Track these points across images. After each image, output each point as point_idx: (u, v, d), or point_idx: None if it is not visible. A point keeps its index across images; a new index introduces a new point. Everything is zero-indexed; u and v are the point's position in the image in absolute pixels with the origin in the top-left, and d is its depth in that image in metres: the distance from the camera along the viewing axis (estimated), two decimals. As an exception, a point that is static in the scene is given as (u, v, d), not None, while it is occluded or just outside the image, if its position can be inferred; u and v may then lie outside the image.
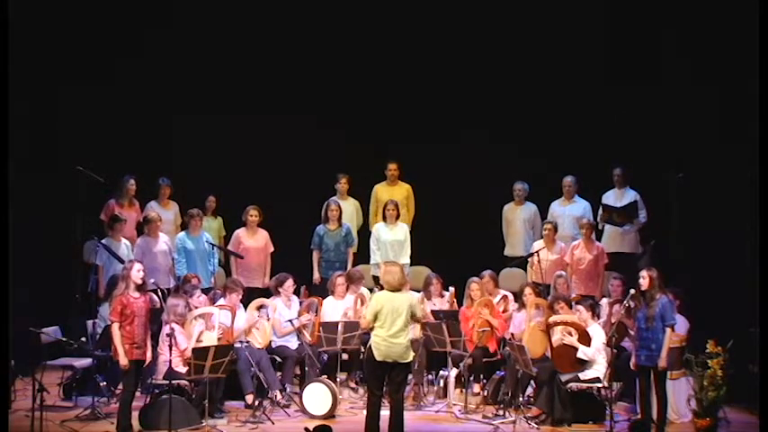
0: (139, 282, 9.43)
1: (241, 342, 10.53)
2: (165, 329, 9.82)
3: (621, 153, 12.39)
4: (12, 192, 9.92)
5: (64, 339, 10.53)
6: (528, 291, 10.88)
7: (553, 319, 10.32)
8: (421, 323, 10.60)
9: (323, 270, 11.94)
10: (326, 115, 13.00)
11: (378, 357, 9.15)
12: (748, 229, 10.55)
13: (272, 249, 11.99)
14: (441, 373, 10.90)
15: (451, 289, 11.37)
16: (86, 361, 10.53)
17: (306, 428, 8.11)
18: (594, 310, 10.46)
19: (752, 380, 9.82)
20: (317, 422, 9.42)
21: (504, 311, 11.22)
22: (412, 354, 9.28)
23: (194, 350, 9.69)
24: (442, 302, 11.35)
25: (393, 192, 12.53)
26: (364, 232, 12.45)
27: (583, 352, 10.03)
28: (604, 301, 11.10)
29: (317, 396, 10.18)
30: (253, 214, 11.85)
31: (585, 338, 10.09)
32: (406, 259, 11.89)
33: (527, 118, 12.92)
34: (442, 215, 12.91)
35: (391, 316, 9.13)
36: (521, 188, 12.57)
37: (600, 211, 12.19)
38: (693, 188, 11.69)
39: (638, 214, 12.09)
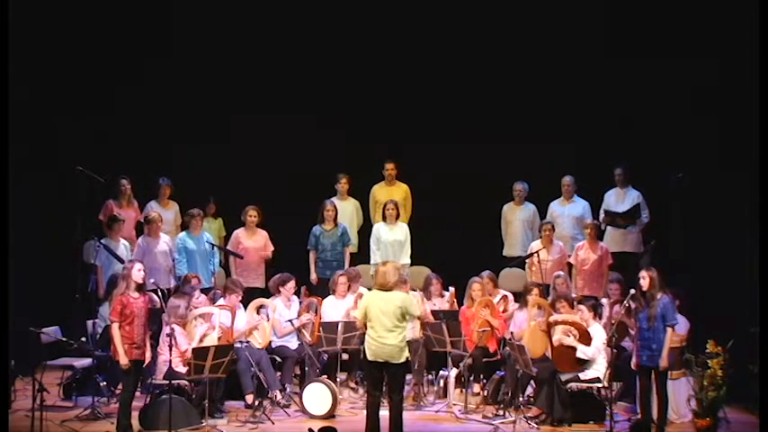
0: (140, 281, 9.43)
1: (241, 342, 10.53)
2: (166, 330, 9.82)
3: (622, 153, 12.39)
4: (12, 192, 9.93)
5: (64, 339, 10.52)
6: (535, 291, 10.85)
7: (554, 318, 10.32)
8: (421, 323, 10.63)
9: (320, 270, 11.94)
10: (326, 115, 13.00)
11: (369, 357, 9.14)
12: (748, 229, 10.55)
13: (272, 249, 11.98)
14: (441, 373, 10.90)
15: (451, 289, 11.38)
16: (86, 361, 10.52)
17: (310, 429, 8.12)
18: (597, 311, 10.45)
19: (752, 380, 9.82)
20: (318, 422, 9.47)
21: (504, 311, 11.23)
22: (405, 354, 9.16)
23: (194, 350, 9.69)
24: (442, 302, 11.36)
25: (391, 192, 12.54)
26: (365, 232, 12.45)
27: (582, 352, 10.03)
28: (605, 301, 11.09)
29: (317, 396, 10.18)
30: (252, 214, 11.84)
31: (586, 338, 10.09)
32: (406, 259, 11.91)
33: (527, 118, 12.92)
34: (442, 215, 12.91)
35: (379, 316, 9.09)
36: (521, 188, 12.58)
37: (602, 216, 12.20)
38: (693, 188, 11.69)
39: (640, 215, 12.11)
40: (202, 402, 9.72)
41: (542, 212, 12.54)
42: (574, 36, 12.73)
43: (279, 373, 10.77)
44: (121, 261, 10.93)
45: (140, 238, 11.56)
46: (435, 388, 10.94)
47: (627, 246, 12.18)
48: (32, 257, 11.62)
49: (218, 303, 10.70)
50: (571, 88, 12.83)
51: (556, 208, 12.49)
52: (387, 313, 9.08)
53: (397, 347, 9.07)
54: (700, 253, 11.57)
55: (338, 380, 10.58)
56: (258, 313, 10.87)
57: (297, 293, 11.42)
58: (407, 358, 9.26)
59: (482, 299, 10.96)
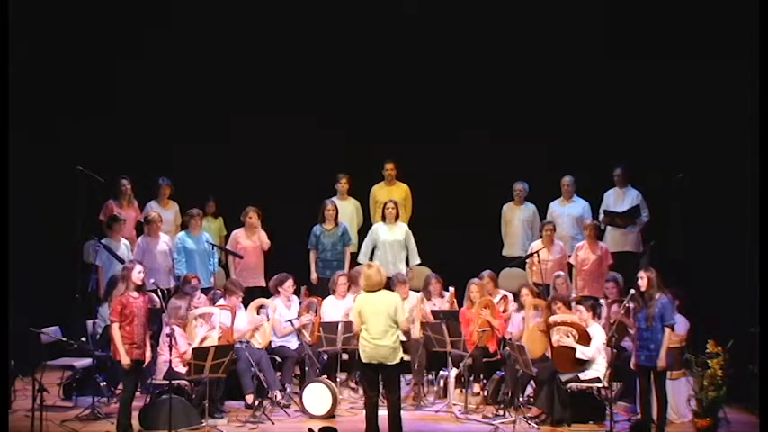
0: (140, 283, 9.43)
1: (241, 342, 10.53)
2: (166, 330, 9.82)
3: (622, 153, 12.40)
4: (12, 192, 9.93)
5: (64, 339, 10.53)
6: (525, 291, 10.89)
7: (553, 318, 10.32)
8: (421, 323, 10.63)
9: (320, 270, 11.94)
10: (326, 115, 13.00)
11: (364, 359, 9.14)
12: (748, 229, 10.55)
13: (268, 243, 11.92)
14: (441, 373, 10.90)
15: (451, 289, 11.39)
16: (86, 361, 10.53)
17: (310, 429, 8.11)
18: (596, 311, 10.46)
19: (752, 380, 9.82)
20: (318, 422, 9.47)
21: (504, 311, 11.23)
22: (400, 355, 9.14)
23: (194, 350, 9.70)
24: (442, 302, 11.36)
25: (391, 192, 12.55)
26: (365, 232, 12.44)
27: (581, 352, 10.03)
28: (604, 301, 11.09)
29: (317, 396, 10.18)
30: (252, 216, 11.83)
31: (585, 338, 10.09)
32: (415, 260, 11.95)
33: (527, 118, 12.92)
34: (442, 215, 12.91)
35: (372, 318, 9.06)
36: (521, 188, 12.59)
37: (601, 216, 12.21)
38: (693, 188, 11.69)
39: (640, 214, 12.11)
40: (202, 402, 9.72)
41: (542, 212, 12.55)
42: (574, 36, 12.73)
43: (279, 373, 10.77)
44: (122, 261, 10.93)
45: (140, 238, 11.57)
46: (435, 388, 10.94)
47: (627, 246, 12.18)
48: (32, 257, 11.63)
49: (218, 304, 10.70)
50: (571, 88, 12.82)
51: (556, 208, 12.50)
52: (381, 313, 9.06)
53: (391, 348, 9.05)
54: (700, 253, 11.57)
55: (338, 380, 10.57)
56: (258, 313, 10.87)
57: (297, 293, 11.43)
58: (402, 358, 9.24)
59: (482, 299, 10.96)
